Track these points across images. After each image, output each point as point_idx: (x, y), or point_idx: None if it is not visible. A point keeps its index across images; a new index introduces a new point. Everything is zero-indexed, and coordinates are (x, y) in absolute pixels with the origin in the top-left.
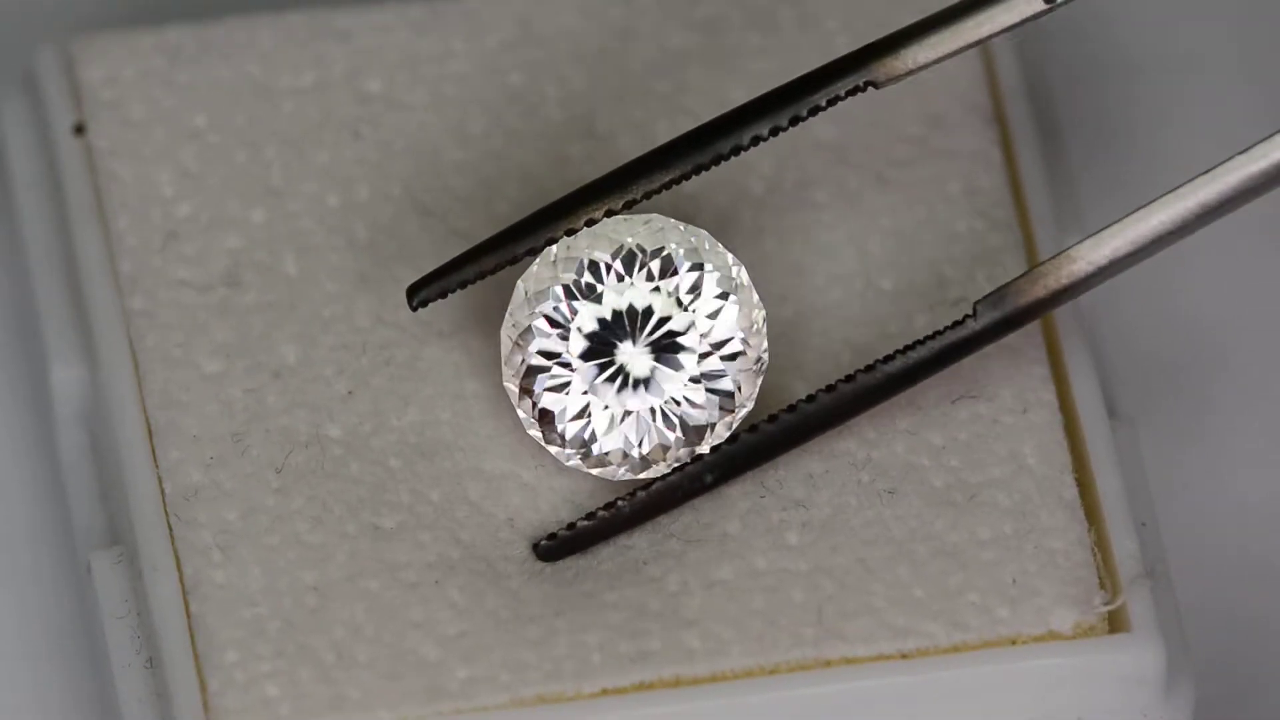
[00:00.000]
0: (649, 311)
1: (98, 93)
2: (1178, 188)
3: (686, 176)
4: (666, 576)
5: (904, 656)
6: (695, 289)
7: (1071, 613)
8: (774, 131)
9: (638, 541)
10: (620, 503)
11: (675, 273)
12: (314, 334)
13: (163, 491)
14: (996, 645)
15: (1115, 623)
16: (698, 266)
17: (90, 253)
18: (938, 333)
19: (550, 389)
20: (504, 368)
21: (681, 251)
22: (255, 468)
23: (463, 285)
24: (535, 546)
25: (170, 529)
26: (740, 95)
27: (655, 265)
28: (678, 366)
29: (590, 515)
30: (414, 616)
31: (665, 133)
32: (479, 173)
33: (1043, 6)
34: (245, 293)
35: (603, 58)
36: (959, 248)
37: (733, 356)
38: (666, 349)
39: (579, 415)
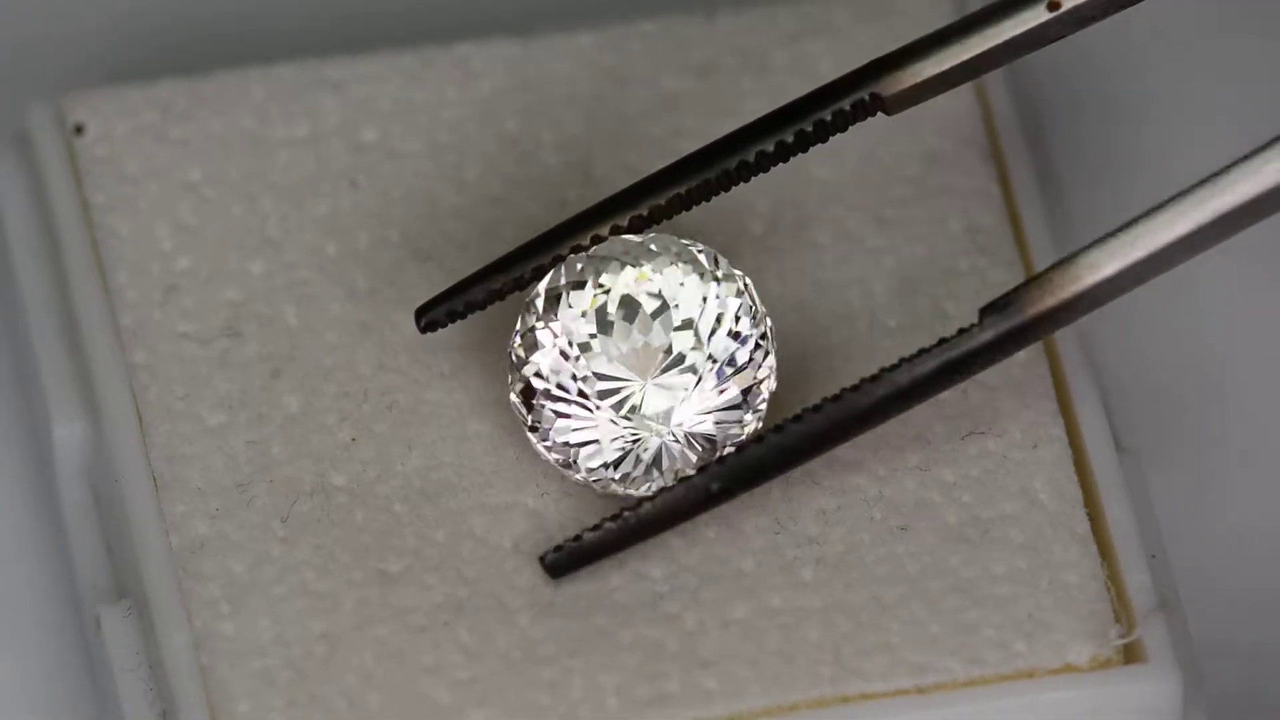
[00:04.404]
0: (659, 340)
1: (92, 149)
2: (1191, 190)
3: (694, 196)
4: (683, 614)
5: (921, 692)
6: (703, 303)
7: (1088, 646)
8: (780, 149)
9: (652, 571)
10: (626, 514)
11: (681, 297)
12: (316, 383)
13: (169, 545)
14: (1014, 679)
15: (1130, 655)
16: (705, 282)
17: (90, 308)
18: (944, 340)
19: (562, 417)
20: (513, 400)
21: (691, 269)
22: (261, 518)
23: (469, 307)
24: (542, 559)
25: (179, 582)
26: None
27: (663, 293)
28: (688, 387)
29: (596, 526)
30: (425, 661)
31: None
32: (476, 218)
33: (1048, 16)
34: (246, 344)
35: (597, 103)
36: (962, 285)
37: (743, 368)
38: (677, 371)
39: (590, 442)
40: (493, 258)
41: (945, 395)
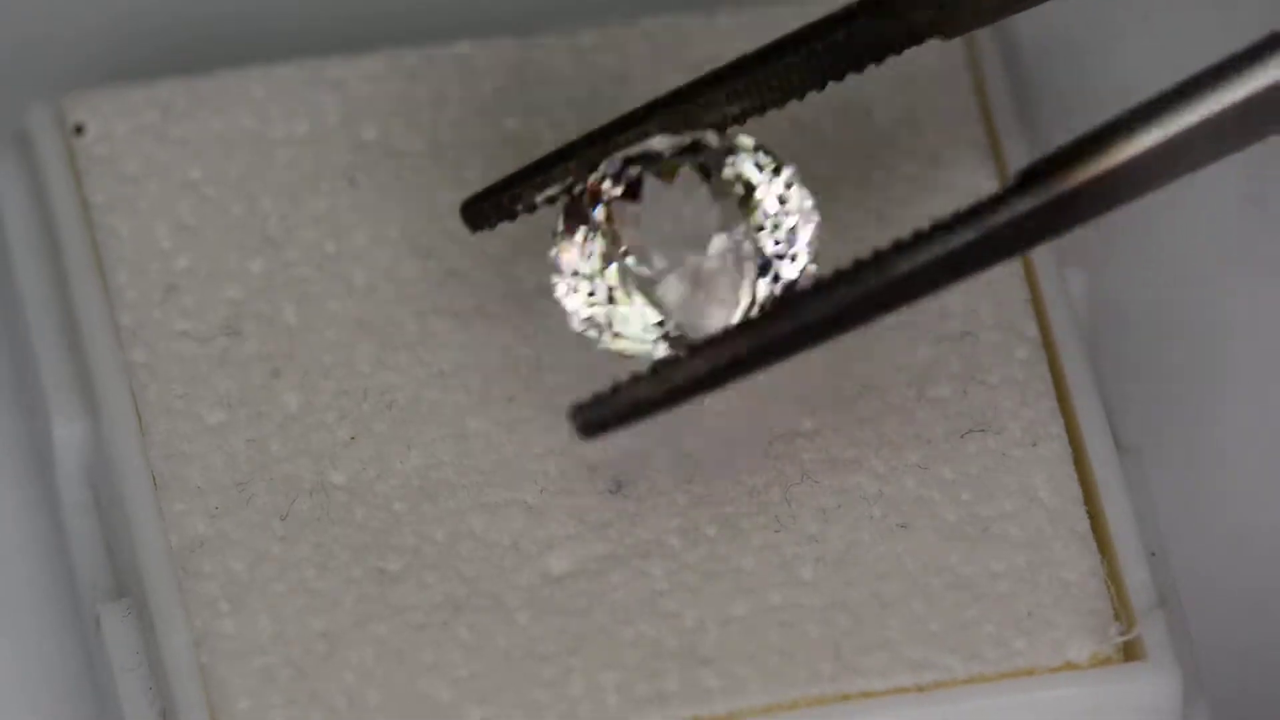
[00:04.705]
0: (708, 236)
1: (92, 149)
2: (1237, 62)
3: (740, 101)
4: (683, 612)
5: (921, 689)
6: (752, 198)
7: (1088, 643)
8: (832, 55)
9: (652, 569)
10: (660, 369)
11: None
12: (315, 381)
13: (169, 544)
14: (1014, 676)
15: (1130, 652)
16: (757, 176)
17: (90, 307)
18: (978, 205)
19: (607, 317)
20: (560, 298)
21: (741, 162)
22: (260, 516)
23: (514, 201)
24: (573, 419)
25: (178, 581)
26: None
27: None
28: (736, 284)
29: (633, 381)
30: (424, 659)
31: None
32: None
33: None
34: (246, 342)
35: (597, 101)
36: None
37: (793, 262)
38: (727, 267)
39: (637, 344)
40: (490, 252)
41: (945, 393)
